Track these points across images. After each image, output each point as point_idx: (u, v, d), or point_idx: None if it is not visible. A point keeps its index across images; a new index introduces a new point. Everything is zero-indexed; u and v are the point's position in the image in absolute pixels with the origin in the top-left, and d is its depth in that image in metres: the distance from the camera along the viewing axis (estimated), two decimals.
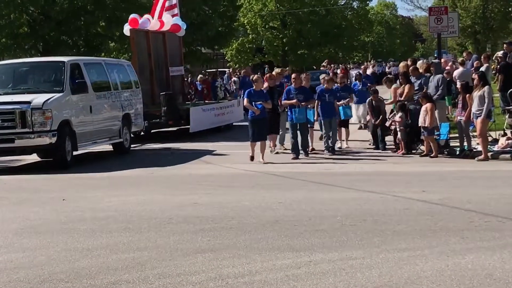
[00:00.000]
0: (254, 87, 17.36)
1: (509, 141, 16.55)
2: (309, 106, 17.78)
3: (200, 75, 29.24)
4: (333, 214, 9.92)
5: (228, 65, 67.81)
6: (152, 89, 24.60)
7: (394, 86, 19.15)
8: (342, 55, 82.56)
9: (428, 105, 16.74)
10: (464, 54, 28.72)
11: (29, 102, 16.34)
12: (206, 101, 27.40)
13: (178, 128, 24.82)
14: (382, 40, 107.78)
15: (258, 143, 16.87)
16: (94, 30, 37.38)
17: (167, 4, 25.99)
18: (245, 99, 17.32)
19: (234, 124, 27.20)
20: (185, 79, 29.83)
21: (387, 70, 54.08)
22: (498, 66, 23.26)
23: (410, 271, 7.00)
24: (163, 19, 25.61)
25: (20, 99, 16.73)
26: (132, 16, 24.76)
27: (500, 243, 7.97)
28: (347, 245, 8.14)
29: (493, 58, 24.68)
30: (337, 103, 18.50)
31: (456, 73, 23.65)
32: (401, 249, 7.82)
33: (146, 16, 25.42)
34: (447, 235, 8.43)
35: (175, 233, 9.04)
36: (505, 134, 17.30)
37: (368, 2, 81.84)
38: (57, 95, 16.94)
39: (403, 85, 18.26)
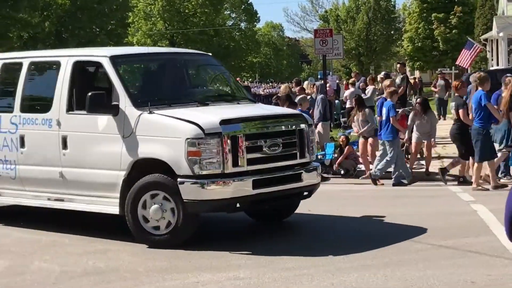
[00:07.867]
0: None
1: None
2: None
3: None
4: (221, 235, 9.94)
5: None
6: None
7: None
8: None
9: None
10: (353, 75, 29.42)
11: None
12: None
13: None
14: (269, 61, 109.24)
15: None
16: None
17: None
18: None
19: None
20: None
21: (261, 92, 45.84)
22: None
23: None
24: None
25: (260, 111, 10.53)
26: None
27: (383, 261, 8.17)
28: (234, 265, 8.17)
29: (378, 80, 25.49)
30: None
31: (347, 93, 24.16)
32: (287, 268, 7.91)
33: None
34: (333, 253, 8.59)
35: (59, 256, 8.82)
36: None
37: (255, 23, 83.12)
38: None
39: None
